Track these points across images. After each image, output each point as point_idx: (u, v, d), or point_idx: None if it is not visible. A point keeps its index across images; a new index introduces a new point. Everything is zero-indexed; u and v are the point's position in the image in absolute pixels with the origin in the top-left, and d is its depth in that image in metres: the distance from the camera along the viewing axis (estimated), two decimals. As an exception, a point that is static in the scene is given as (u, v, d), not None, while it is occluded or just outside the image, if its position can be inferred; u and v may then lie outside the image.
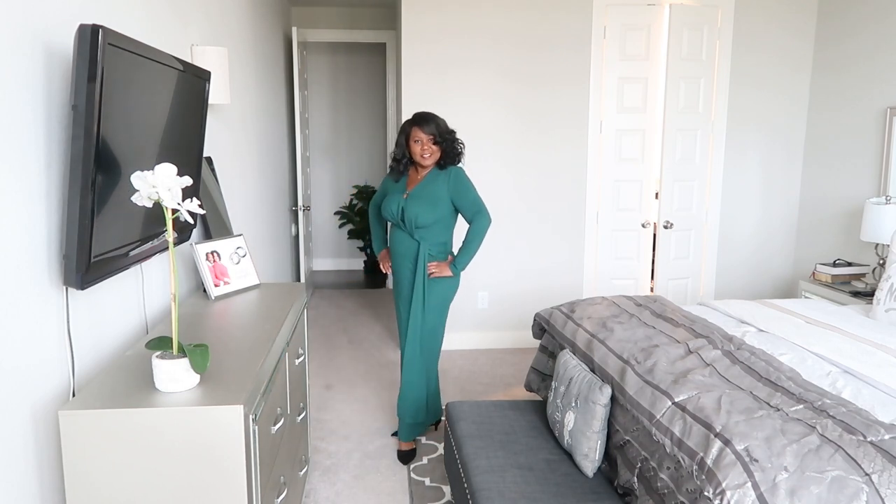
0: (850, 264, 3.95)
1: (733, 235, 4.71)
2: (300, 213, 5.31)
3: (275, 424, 1.83)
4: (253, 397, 1.56)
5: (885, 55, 3.88)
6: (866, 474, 1.57)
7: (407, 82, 4.36)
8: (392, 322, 5.08)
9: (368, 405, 3.62)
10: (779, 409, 1.86)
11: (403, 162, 2.95)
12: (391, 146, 4.91)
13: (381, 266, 3.18)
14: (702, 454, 1.70)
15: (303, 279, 5.43)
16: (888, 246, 3.41)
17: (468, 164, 4.41)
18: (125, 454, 1.43)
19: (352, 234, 6.93)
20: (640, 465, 1.98)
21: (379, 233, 3.21)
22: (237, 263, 2.52)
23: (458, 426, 2.55)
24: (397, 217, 2.92)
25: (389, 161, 3.03)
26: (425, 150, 2.86)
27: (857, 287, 3.79)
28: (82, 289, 1.51)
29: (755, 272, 4.79)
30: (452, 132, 2.92)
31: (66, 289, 1.55)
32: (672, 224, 4.46)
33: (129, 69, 1.57)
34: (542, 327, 3.08)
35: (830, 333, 2.67)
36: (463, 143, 2.98)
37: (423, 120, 2.87)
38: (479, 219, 2.93)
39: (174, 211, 1.44)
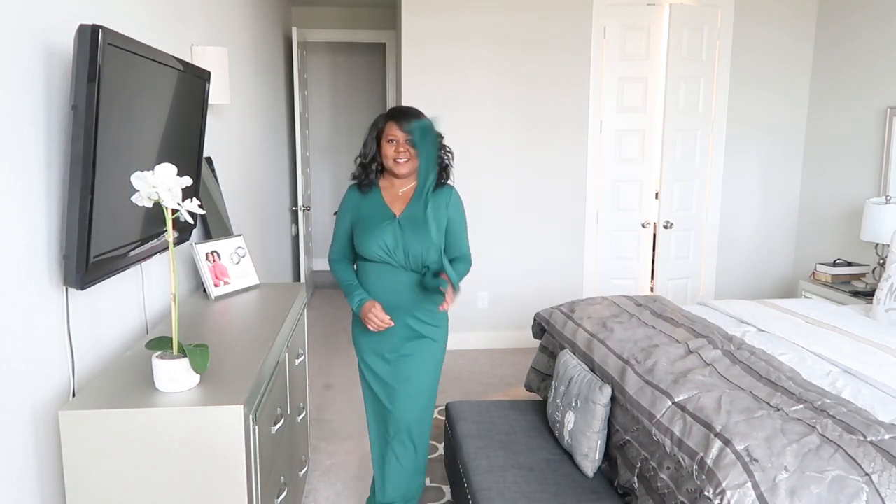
0: (850, 264, 3.95)
1: (733, 235, 4.72)
2: (300, 213, 5.31)
3: (275, 424, 1.83)
4: (253, 397, 1.56)
5: (886, 54, 3.88)
6: (866, 474, 1.57)
7: (407, 84, 4.36)
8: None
9: (368, 405, 3.62)
10: (779, 409, 1.86)
11: (374, 168, 2.26)
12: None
13: (374, 321, 2.18)
14: (702, 454, 1.70)
15: (303, 279, 5.43)
16: (888, 246, 3.41)
17: (469, 165, 4.43)
18: (125, 454, 1.43)
19: (352, 235, 6.94)
20: (640, 465, 1.98)
21: (353, 280, 2.29)
22: (237, 263, 2.52)
23: (458, 426, 2.55)
24: (393, 253, 2.19)
25: (355, 168, 2.30)
26: (401, 153, 2.20)
27: (857, 287, 3.78)
28: (82, 289, 1.51)
29: (755, 272, 4.79)
30: (440, 135, 2.26)
31: (66, 289, 1.55)
32: (672, 224, 4.46)
33: (129, 69, 1.57)
34: (542, 327, 3.08)
35: (830, 333, 2.67)
36: (452, 153, 2.31)
37: (402, 114, 2.22)
38: (466, 263, 2.33)
39: (174, 211, 1.44)
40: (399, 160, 2.22)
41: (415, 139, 2.17)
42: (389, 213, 2.24)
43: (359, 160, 2.30)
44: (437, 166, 2.23)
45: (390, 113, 2.27)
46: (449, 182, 2.33)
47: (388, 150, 2.22)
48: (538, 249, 4.60)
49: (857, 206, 4.03)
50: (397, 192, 2.29)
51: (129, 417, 1.43)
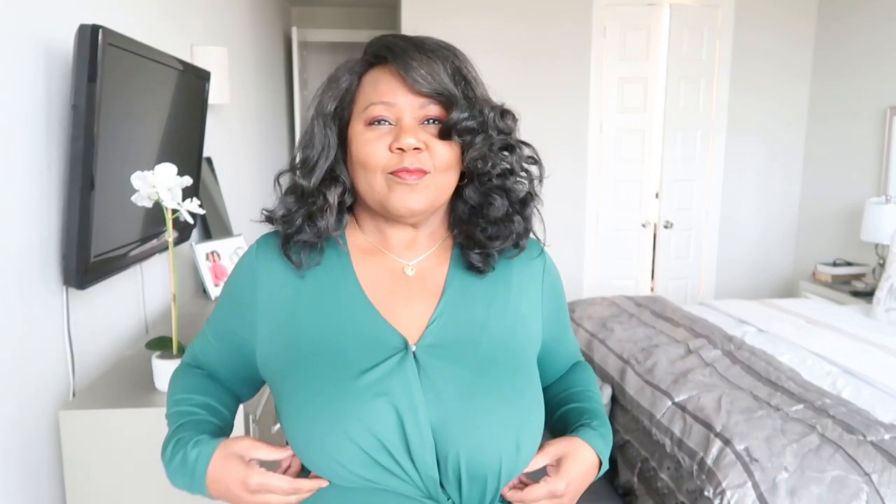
0: (850, 264, 3.95)
1: (733, 235, 4.72)
2: (300, 214, 5.30)
3: (275, 424, 1.83)
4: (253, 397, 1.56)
5: (887, 53, 3.88)
6: (866, 474, 1.57)
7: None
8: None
9: (368, 405, 3.61)
10: (779, 409, 1.86)
11: (329, 202, 0.86)
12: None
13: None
14: (702, 454, 1.70)
15: (303, 279, 5.42)
16: (888, 246, 3.41)
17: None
18: (125, 454, 1.43)
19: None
20: (640, 465, 1.98)
21: (189, 395, 1.01)
22: (237, 263, 2.51)
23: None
24: (402, 461, 0.75)
25: (277, 197, 0.90)
26: (411, 154, 0.82)
27: (857, 287, 3.78)
28: (82, 289, 1.51)
29: (755, 272, 4.79)
30: (507, 113, 1.01)
31: (66, 289, 1.54)
32: (672, 224, 4.46)
33: (129, 69, 1.57)
34: (542, 327, 3.08)
35: (830, 333, 2.67)
36: (538, 161, 1.00)
37: (412, 50, 0.85)
38: (587, 371, 1.12)
39: (174, 211, 1.44)
40: (407, 174, 0.83)
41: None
42: (391, 333, 0.84)
43: (291, 180, 0.91)
44: (503, 193, 0.97)
45: (376, 47, 0.92)
46: (537, 232, 1.06)
47: (373, 148, 0.85)
48: (538, 249, 4.60)
49: (857, 206, 4.03)
50: (397, 266, 0.92)
51: (129, 417, 1.43)
